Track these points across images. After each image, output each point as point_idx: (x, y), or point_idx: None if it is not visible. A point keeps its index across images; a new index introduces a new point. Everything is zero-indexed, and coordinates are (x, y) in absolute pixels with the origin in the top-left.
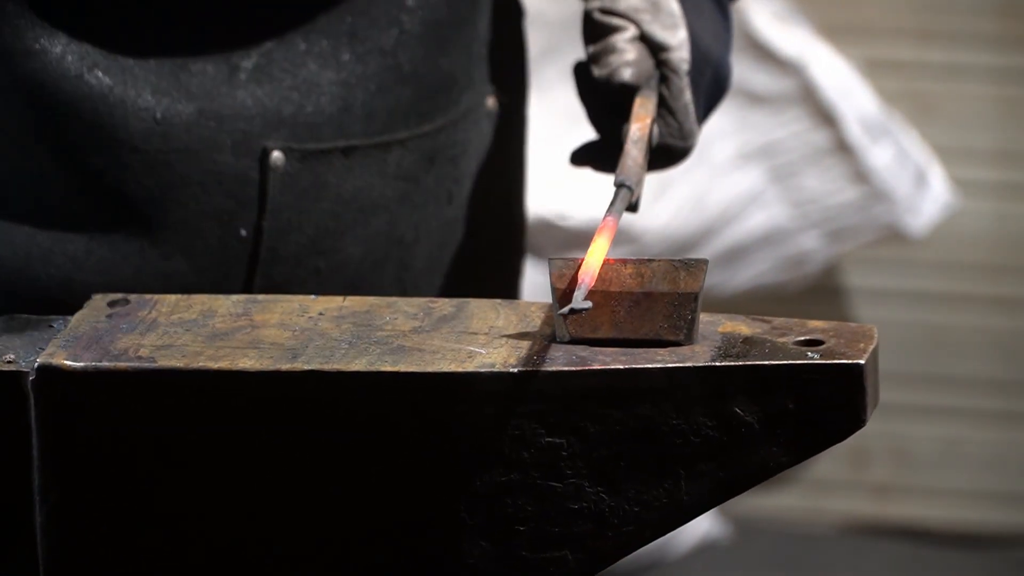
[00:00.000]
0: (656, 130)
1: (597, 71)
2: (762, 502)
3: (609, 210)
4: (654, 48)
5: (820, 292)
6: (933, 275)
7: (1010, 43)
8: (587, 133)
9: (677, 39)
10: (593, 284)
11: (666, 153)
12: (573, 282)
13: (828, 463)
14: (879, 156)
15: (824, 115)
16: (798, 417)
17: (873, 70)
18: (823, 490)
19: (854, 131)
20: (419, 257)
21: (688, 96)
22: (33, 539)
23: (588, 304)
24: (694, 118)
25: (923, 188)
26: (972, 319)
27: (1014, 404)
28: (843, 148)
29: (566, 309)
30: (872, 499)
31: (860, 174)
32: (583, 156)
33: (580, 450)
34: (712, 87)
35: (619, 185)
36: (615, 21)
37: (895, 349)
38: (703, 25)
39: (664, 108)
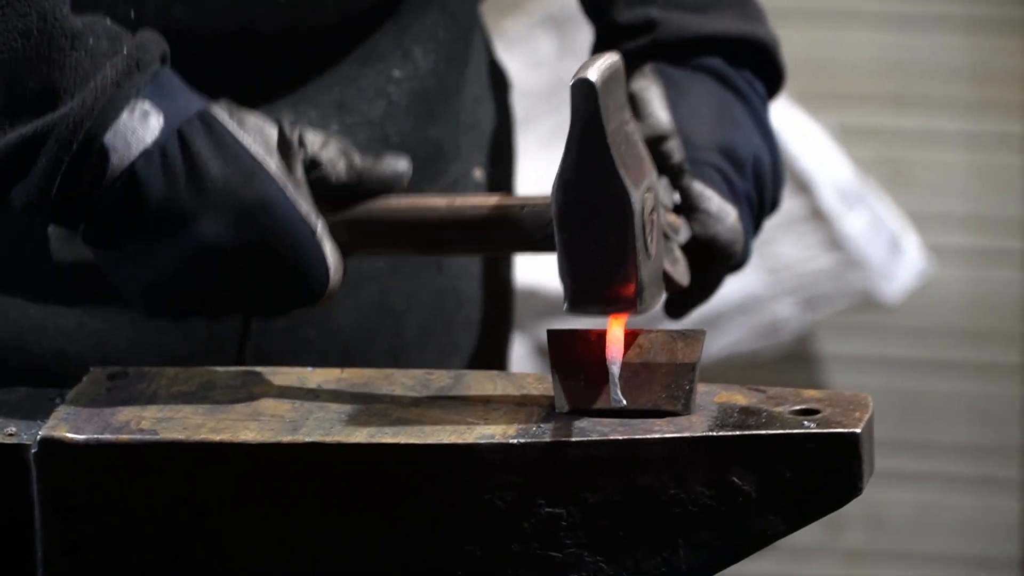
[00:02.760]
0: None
1: None
2: (738, 569)
3: None
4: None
5: (795, 359)
6: (908, 341)
7: (984, 109)
8: None
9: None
10: (622, 357)
11: (712, 244)
12: (572, 353)
13: (802, 529)
14: (854, 223)
15: (799, 182)
16: (795, 486)
17: (847, 137)
18: (798, 556)
19: (829, 198)
20: (410, 327)
21: (695, 182)
22: None
23: (622, 401)
24: (719, 198)
25: (897, 255)
26: (947, 385)
27: (989, 469)
28: (818, 215)
29: (617, 400)
30: (847, 564)
31: (835, 241)
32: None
33: (580, 520)
34: (743, 170)
35: None
36: None
37: None
38: (692, 112)
39: (686, 204)
